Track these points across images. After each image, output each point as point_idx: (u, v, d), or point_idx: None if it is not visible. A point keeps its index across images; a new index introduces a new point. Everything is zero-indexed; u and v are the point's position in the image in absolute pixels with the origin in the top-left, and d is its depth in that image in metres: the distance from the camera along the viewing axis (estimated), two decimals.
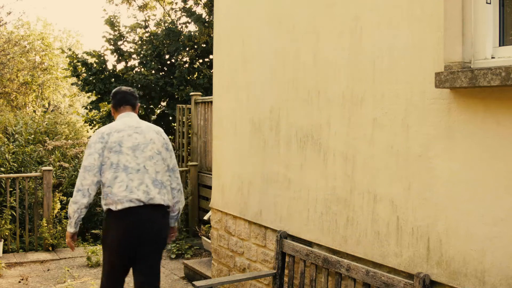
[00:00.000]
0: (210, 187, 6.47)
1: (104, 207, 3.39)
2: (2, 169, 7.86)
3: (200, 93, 8.44)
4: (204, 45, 10.95)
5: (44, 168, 6.78)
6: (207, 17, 11.14)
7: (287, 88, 3.68)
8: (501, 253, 2.24)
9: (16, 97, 18.79)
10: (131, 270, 3.49)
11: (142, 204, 3.31)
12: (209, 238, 5.74)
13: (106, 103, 11.04)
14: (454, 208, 2.46)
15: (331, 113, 3.26)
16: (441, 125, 2.52)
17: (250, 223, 4.16)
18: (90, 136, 12.94)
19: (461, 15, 2.35)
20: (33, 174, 6.93)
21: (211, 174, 5.51)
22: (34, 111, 18.59)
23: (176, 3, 12.69)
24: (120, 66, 11.24)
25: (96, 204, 8.21)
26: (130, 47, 11.45)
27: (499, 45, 2.34)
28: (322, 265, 3.21)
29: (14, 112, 15.63)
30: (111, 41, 11.19)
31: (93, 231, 7.84)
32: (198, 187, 7.79)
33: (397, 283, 2.67)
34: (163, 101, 11.32)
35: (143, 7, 12.80)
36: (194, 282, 3.50)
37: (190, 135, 8.42)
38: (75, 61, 11.03)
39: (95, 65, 10.82)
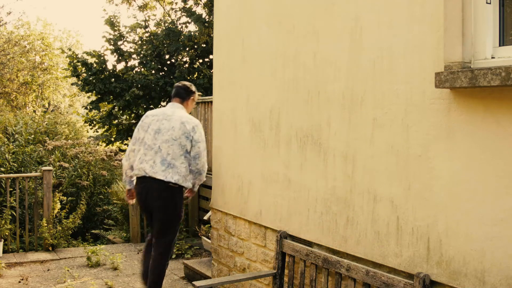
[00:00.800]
0: (210, 187, 6.47)
1: None
2: (2, 169, 7.86)
3: (200, 93, 8.43)
4: (204, 45, 10.95)
5: (44, 168, 6.78)
6: (207, 17, 11.14)
7: (287, 88, 3.68)
8: (501, 253, 2.24)
9: (16, 97, 18.80)
10: None
11: (146, 175, 4.16)
12: (209, 238, 5.74)
13: (106, 103, 11.04)
14: (454, 208, 2.46)
15: (331, 113, 3.26)
16: (441, 125, 2.52)
17: (250, 223, 4.16)
18: (90, 136, 12.96)
19: (461, 15, 2.35)
20: (33, 174, 6.93)
21: (211, 174, 5.51)
22: (34, 111, 18.59)
23: (176, 3, 12.70)
24: (120, 66, 11.25)
25: (96, 204, 8.22)
26: (130, 47, 11.46)
27: (499, 45, 2.34)
28: (322, 265, 3.21)
29: (14, 112, 15.64)
30: (111, 41, 11.19)
31: (93, 231, 7.83)
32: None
33: (397, 283, 2.67)
34: (163, 101, 11.32)
35: (143, 7, 12.80)
36: (194, 282, 3.50)
37: None
38: (75, 61, 11.03)
39: (95, 65, 10.82)
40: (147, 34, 11.49)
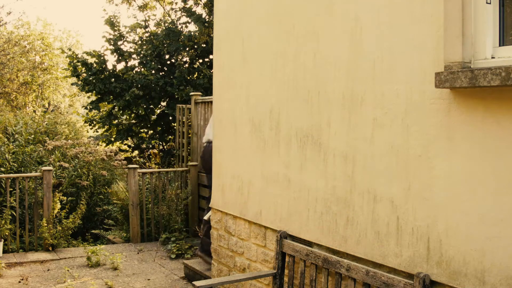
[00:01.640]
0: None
1: None
2: (2, 169, 7.86)
3: (200, 93, 8.44)
4: (204, 45, 10.94)
5: (44, 168, 6.78)
6: (207, 17, 11.14)
7: (287, 88, 3.68)
8: (501, 253, 2.24)
9: (16, 97, 18.79)
10: None
11: None
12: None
13: (106, 103, 11.03)
14: (454, 208, 2.46)
15: (331, 113, 3.26)
16: (441, 125, 2.52)
17: (250, 223, 4.16)
18: (90, 136, 12.96)
19: (461, 15, 2.35)
20: (33, 174, 6.93)
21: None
22: (34, 111, 18.58)
23: (176, 3, 12.69)
24: (120, 66, 11.24)
25: (96, 204, 8.22)
26: (130, 47, 11.45)
27: (499, 45, 2.34)
28: (322, 265, 3.21)
29: (14, 112, 15.63)
30: (111, 41, 11.18)
31: (93, 231, 7.83)
32: (198, 187, 7.78)
33: (397, 283, 2.67)
34: (163, 101, 11.32)
35: (143, 7, 12.80)
36: (194, 282, 3.50)
37: (190, 135, 8.42)
38: (75, 61, 11.02)
39: (95, 65, 10.81)
40: (147, 34, 11.49)
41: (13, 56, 17.70)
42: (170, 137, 11.32)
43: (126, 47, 11.42)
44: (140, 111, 11.15)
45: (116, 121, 11.35)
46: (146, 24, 11.76)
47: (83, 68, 10.94)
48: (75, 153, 8.33)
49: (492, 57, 2.32)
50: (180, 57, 11.21)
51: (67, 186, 7.86)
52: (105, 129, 11.44)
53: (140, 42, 11.40)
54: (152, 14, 12.29)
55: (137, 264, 6.15)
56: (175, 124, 9.66)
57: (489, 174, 2.30)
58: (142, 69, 10.97)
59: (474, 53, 2.36)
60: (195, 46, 11.08)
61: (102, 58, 10.94)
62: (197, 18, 10.94)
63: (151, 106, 11.21)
